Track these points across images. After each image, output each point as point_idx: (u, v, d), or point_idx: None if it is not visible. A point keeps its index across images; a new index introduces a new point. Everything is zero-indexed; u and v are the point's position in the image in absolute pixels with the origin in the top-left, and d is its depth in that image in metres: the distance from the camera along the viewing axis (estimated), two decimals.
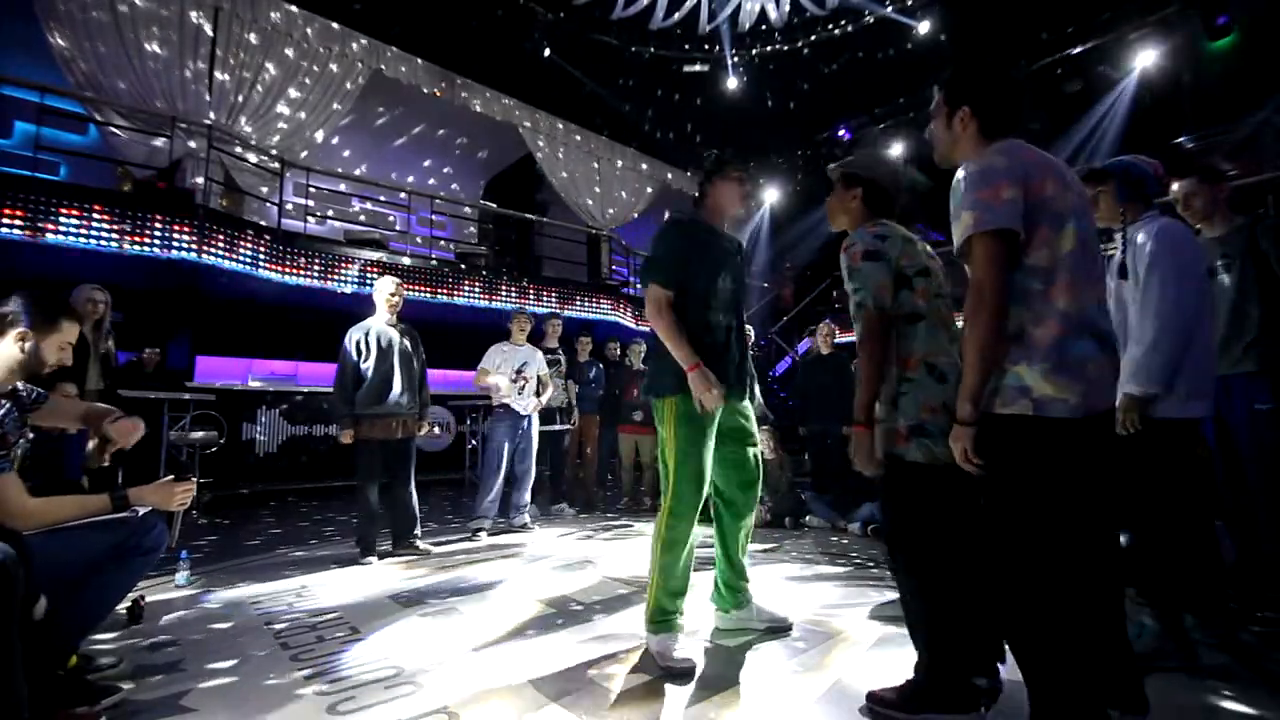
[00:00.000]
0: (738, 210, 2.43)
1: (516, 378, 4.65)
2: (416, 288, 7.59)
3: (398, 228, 10.10)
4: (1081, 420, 1.36)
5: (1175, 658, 1.94)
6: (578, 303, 9.21)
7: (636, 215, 11.61)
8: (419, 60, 8.78)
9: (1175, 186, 2.63)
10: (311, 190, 8.35)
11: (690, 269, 2.23)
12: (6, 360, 1.76)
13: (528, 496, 4.76)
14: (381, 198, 9.81)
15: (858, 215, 1.92)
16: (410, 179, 10.26)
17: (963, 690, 1.64)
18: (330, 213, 9.20)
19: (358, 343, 3.73)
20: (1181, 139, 8.80)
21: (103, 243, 5.31)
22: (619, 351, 6.24)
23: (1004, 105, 1.54)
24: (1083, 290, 1.40)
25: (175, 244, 5.58)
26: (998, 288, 1.37)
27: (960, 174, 1.46)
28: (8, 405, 1.73)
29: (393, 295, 3.86)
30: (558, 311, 5.07)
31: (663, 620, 2.12)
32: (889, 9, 8.84)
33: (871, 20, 9.00)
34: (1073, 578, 1.37)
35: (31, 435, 1.89)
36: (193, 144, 6.65)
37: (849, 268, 1.76)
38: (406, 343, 3.87)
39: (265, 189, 7.57)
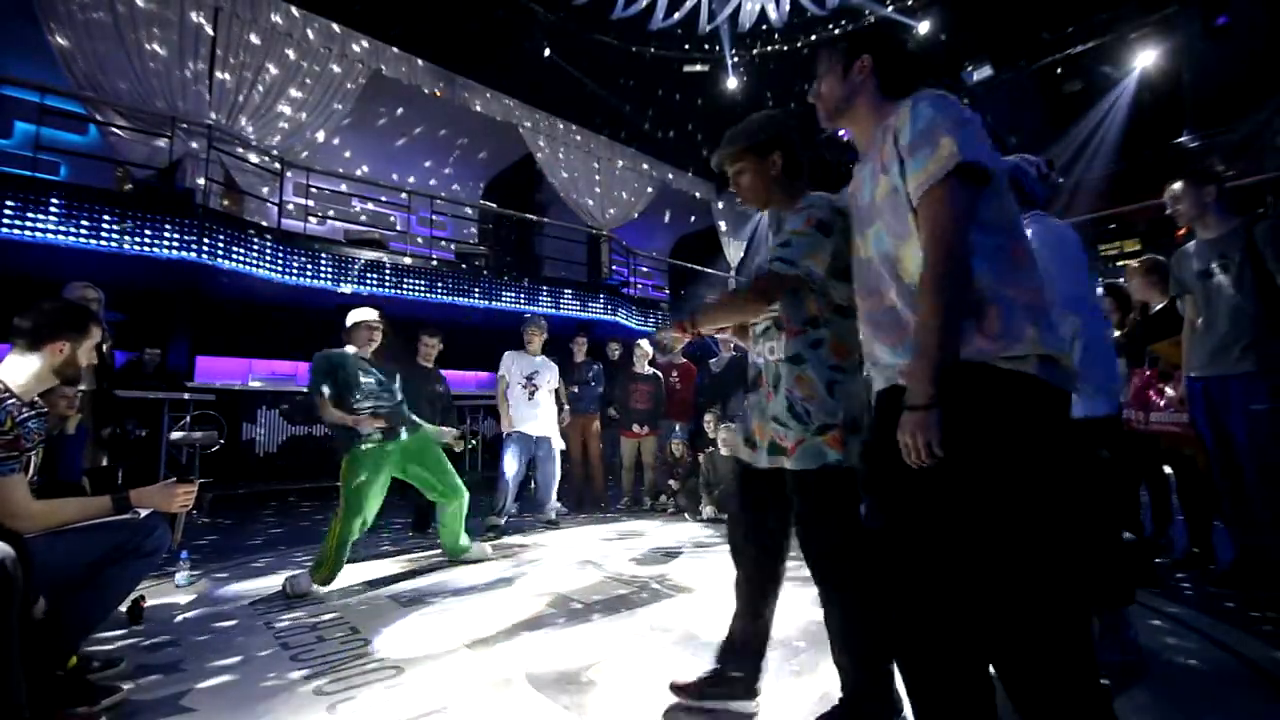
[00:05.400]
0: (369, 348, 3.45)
1: (526, 384, 4.73)
2: (417, 287, 7.61)
3: (398, 228, 10.10)
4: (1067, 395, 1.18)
5: (1112, 651, 1.94)
6: (577, 303, 9.22)
7: (637, 215, 11.61)
8: (419, 60, 8.78)
9: (1166, 191, 2.67)
10: (312, 190, 8.35)
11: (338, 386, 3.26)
12: (40, 371, 1.81)
13: (553, 497, 4.95)
14: (382, 198, 9.81)
15: (783, 185, 1.69)
16: (411, 179, 10.25)
17: (894, 707, 1.55)
18: (331, 213, 9.21)
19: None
20: (1182, 139, 8.79)
21: (103, 243, 5.31)
22: (619, 352, 6.23)
23: (904, 61, 1.38)
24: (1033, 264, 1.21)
25: (175, 244, 5.58)
26: (965, 235, 1.12)
27: (924, 100, 1.20)
28: (32, 412, 1.76)
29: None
30: (540, 318, 5.10)
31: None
32: (889, 9, 8.84)
33: (872, 20, 9.00)
34: (1079, 582, 1.16)
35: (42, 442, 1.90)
36: (193, 144, 6.66)
37: (793, 231, 1.55)
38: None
39: (265, 189, 7.57)
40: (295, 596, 2.91)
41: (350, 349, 3.40)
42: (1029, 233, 2.00)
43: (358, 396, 3.26)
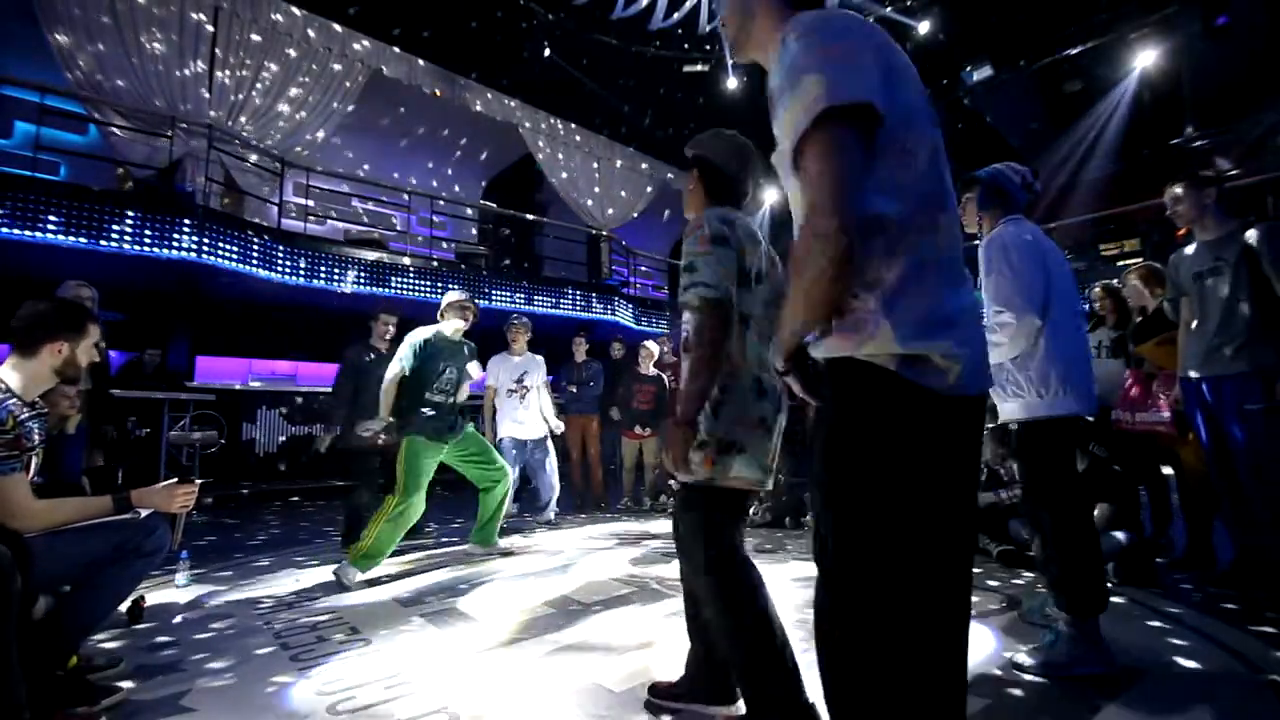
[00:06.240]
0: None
1: (517, 387, 4.73)
2: (417, 287, 7.62)
3: (398, 228, 10.11)
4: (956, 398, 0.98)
5: (1094, 663, 1.92)
6: (577, 303, 9.22)
7: (636, 215, 11.61)
8: (419, 60, 8.79)
9: (1166, 192, 2.70)
10: (312, 190, 8.36)
11: (424, 367, 3.44)
12: (41, 371, 1.82)
13: (551, 497, 4.99)
14: (383, 198, 9.82)
15: (699, 202, 1.74)
16: (412, 179, 10.27)
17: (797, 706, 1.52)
18: (331, 213, 9.21)
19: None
20: (1181, 139, 8.78)
21: (103, 243, 5.31)
22: (621, 352, 6.22)
23: None
24: (944, 226, 0.98)
25: (175, 244, 5.58)
26: (851, 188, 0.88)
27: (794, 29, 0.94)
28: (33, 412, 1.77)
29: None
30: (524, 318, 5.08)
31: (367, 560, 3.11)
32: (889, 9, 8.84)
33: (871, 20, 9.01)
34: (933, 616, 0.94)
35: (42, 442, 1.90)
36: (193, 144, 6.66)
37: (693, 253, 1.54)
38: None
39: (266, 189, 7.57)
40: (346, 586, 3.03)
41: (440, 329, 3.57)
42: (1008, 233, 2.03)
43: (433, 387, 3.45)
